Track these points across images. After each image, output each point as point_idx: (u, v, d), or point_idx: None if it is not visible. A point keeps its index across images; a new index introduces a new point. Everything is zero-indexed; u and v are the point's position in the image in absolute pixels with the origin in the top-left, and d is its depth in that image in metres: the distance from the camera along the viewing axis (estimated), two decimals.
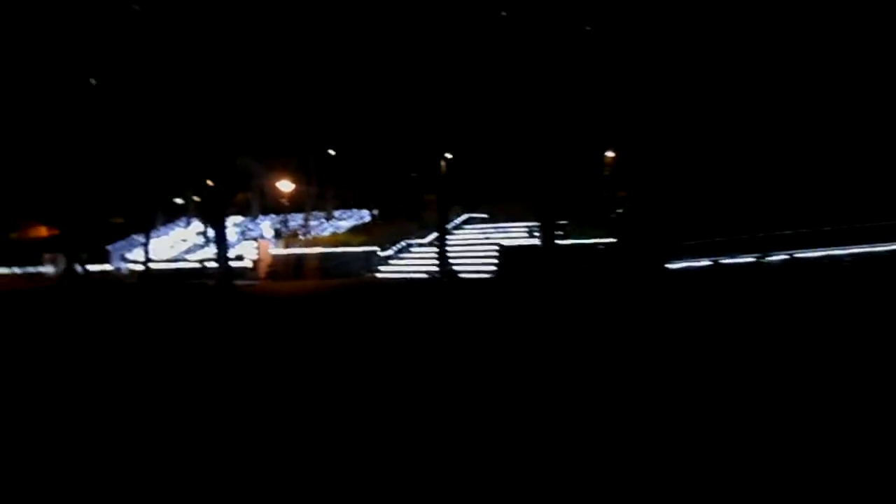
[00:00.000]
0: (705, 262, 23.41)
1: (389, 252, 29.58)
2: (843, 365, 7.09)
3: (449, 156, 28.40)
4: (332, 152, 37.08)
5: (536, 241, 24.20)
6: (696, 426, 5.04)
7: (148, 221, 36.50)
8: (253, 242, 34.67)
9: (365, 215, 36.95)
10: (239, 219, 39.14)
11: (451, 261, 25.64)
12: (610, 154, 28.64)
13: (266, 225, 37.86)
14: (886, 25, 24.06)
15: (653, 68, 24.73)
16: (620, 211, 25.65)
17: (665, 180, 25.28)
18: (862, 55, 24.36)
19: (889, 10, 23.90)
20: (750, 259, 23.45)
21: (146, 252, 34.37)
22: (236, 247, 34.54)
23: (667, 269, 22.93)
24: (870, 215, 22.71)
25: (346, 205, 37.74)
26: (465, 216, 31.27)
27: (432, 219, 28.63)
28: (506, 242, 26.06)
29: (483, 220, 30.90)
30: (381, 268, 28.77)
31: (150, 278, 32.89)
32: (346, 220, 37.13)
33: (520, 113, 26.27)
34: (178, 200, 42.73)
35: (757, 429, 4.89)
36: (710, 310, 13.49)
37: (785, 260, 23.46)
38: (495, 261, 24.96)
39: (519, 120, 26.59)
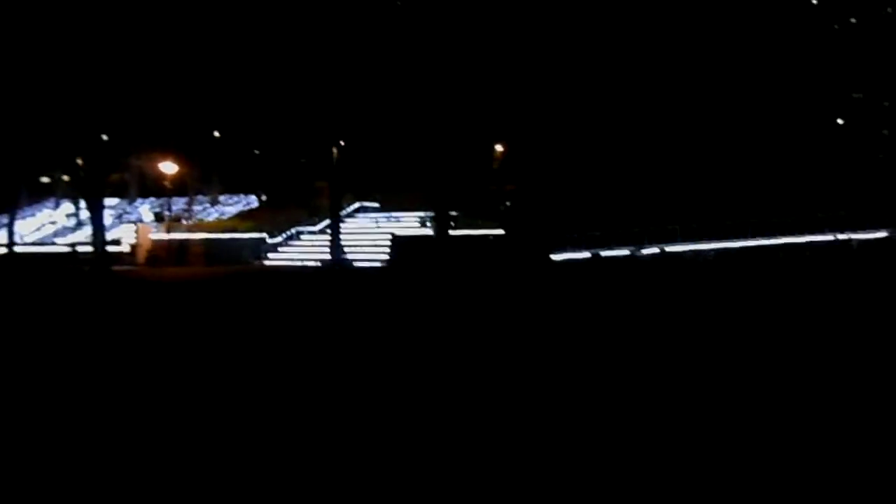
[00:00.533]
0: (586, 254, 24.88)
1: (278, 239, 29.17)
2: (707, 346, 8.03)
3: (342, 143, 28.34)
4: (217, 134, 35.93)
5: (429, 231, 24.73)
6: (576, 406, 5.63)
7: (12, 201, 33.82)
8: (130, 226, 33.04)
9: (252, 201, 36.09)
10: (115, 201, 37.08)
11: (343, 249, 25.70)
12: (499, 148, 29.64)
13: (145, 208, 36.14)
14: (753, 32, 26.37)
15: (539, 68, 25.82)
16: (509, 203, 26.70)
17: (550, 176, 26.53)
18: (733, 62, 26.54)
19: (742, 15, 26.22)
20: (625, 252, 25.15)
21: (10, 233, 31.92)
22: (112, 230, 32.78)
23: (551, 259, 24.16)
24: (732, 214, 24.98)
25: (233, 189, 36.68)
26: (356, 205, 31.31)
27: (323, 206, 28.46)
28: (398, 232, 26.42)
29: (375, 209, 31.07)
30: (270, 255, 28.34)
31: (14, 261, 30.58)
32: (233, 205, 36.11)
33: (412, 104, 26.64)
34: (45, 179, 39.87)
35: (631, 410, 5.53)
36: (590, 298, 14.51)
37: (656, 253, 25.37)
38: (388, 250, 25.28)
39: (411, 111, 26.96)
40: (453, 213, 25.21)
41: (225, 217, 34.21)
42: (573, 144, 26.01)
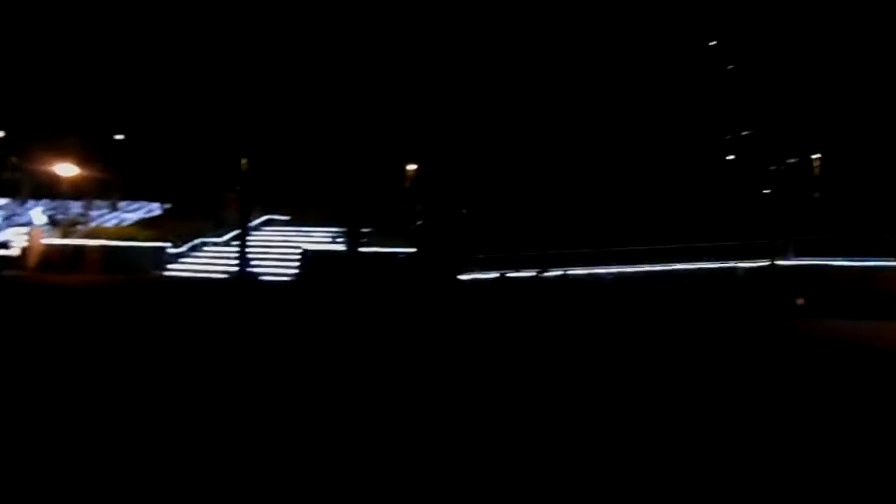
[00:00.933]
0: (493, 275, 25.48)
1: (181, 249, 28.30)
2: (606, 361, 8.53)
3: (252, 154, 27.93)
4: (119, 137, 34.62)
5: (340, 247, 24.72)
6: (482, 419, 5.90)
7: None
8: (21, 229, 31.21)
9: (155, 208, 34.82)
10: (4, 201, 34.95)
11: (250, 262, 25.25)
12: (411, 167, 30.01)
13: (37, 211, 34.19)
14: (652, 69, 27.92)
15: (450, 89, 26.46)
16: (420, 222, 27.05)
17: (460, 196, 27.11)
18: (634, 99, 28.00)
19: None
20: (531, 273, 25.93)
21: None
22: (1, 233, 30.92)
23: (459, 280, 24.61)
24: (631, 241, 26.26)
25: (134, 196, 35.26)
26: (264, 217, 30.79)
27: (230, 217, 27.89)
28: (308, 246, 26.22)
29: (284, 223, 30.66)
30: (171, 265, 27.47)
31: None
32: (133, 212, 34.72)
33: (325, 119, 26.66)
34: None
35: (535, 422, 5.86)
36: (496, 316, 15.00)
37: (559, 275, 26.29)
38: (296, 264, 25.05)
39: (324, 126, 26.96)
40: (365, 230, 25.31)
41: (125, 224, 32.87)
42: (482, 168, 26.72)
